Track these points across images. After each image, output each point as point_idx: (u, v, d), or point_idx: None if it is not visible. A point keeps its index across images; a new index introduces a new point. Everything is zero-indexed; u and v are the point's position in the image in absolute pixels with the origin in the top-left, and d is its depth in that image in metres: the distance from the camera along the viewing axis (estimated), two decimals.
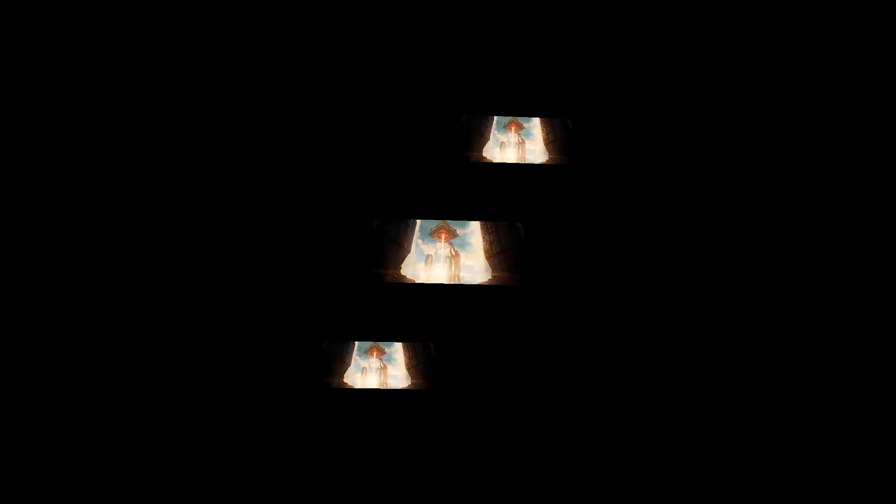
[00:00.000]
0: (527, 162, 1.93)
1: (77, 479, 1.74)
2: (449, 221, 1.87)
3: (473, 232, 1.89)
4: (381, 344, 1.88)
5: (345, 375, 1.87)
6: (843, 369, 1.96)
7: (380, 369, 1.87)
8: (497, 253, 1.89)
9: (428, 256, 1.86)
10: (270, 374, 1.83)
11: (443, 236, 1.87)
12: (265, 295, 1.84)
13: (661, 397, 1.94)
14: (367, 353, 1.86)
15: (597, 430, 1.92)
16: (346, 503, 1.83)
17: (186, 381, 1.80)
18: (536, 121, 1.93)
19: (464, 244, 1.88)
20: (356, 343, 1.86)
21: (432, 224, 1.86)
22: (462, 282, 1.89)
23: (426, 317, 1.90)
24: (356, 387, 1.86)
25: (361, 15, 1.88)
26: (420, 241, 1.87)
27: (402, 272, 1.87)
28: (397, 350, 1.88)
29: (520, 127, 1.93)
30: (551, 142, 1.93)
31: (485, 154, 1.93)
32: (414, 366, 1.89)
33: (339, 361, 1.86)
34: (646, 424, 1.93)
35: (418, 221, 1.86)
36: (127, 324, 1.78)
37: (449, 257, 1.87)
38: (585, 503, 1.89)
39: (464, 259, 1.88)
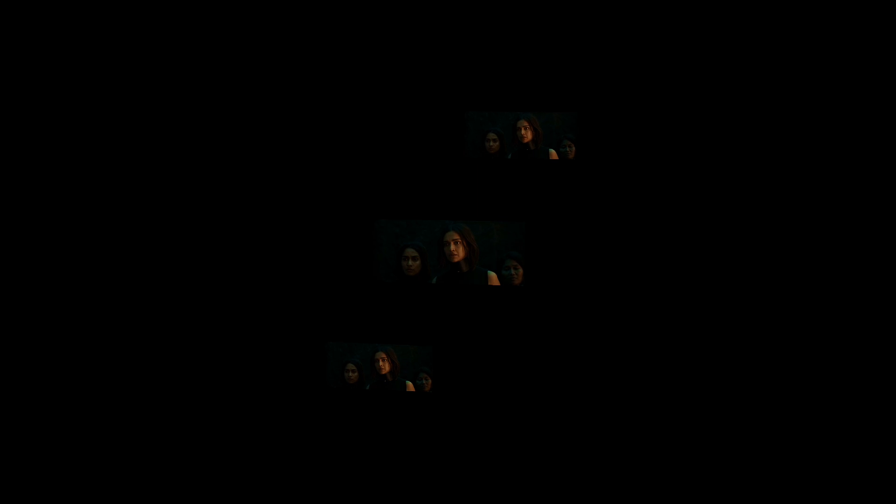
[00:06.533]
0: (529, 160, 1.91)
1: (76, 478, 1.76)
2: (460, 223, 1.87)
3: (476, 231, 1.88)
4: (383, 344, 1.88)
5: (345, 377, 1.87)
6: (844, 370, 1.95)
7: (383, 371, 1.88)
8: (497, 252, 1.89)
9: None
10: (271, 375, 1.84)
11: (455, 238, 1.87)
12: (265, 296, 1.84)
13: (662, 398, 1.94)
14: (375, 357, 1.87)
15: (596, 430, 1.93)
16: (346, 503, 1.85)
17: (186, 382, 1.81)
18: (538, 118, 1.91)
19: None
20: (359, 345, 1.87)
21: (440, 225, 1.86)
22: (463, 282, 1.88)
23: (427, 317, 1.90)
24: (356, 388, 1.87)
25: (360, 10, 1.85)
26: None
27: (403, 272, 1.87)
28: (398, 351, 1.89)
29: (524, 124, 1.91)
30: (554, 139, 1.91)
31: (486, 151, 1.91)
32: (415, 367, 1.90)
33: (341, 362, 1.86)
34: (646, 425, 1.94)
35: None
36: (127, 324, 1.79)
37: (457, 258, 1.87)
38: (584, 502, 1.91)
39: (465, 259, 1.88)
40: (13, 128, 1.75)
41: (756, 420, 1.94)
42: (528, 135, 1.87)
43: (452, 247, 1.84)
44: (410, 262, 1.83)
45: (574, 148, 1.88)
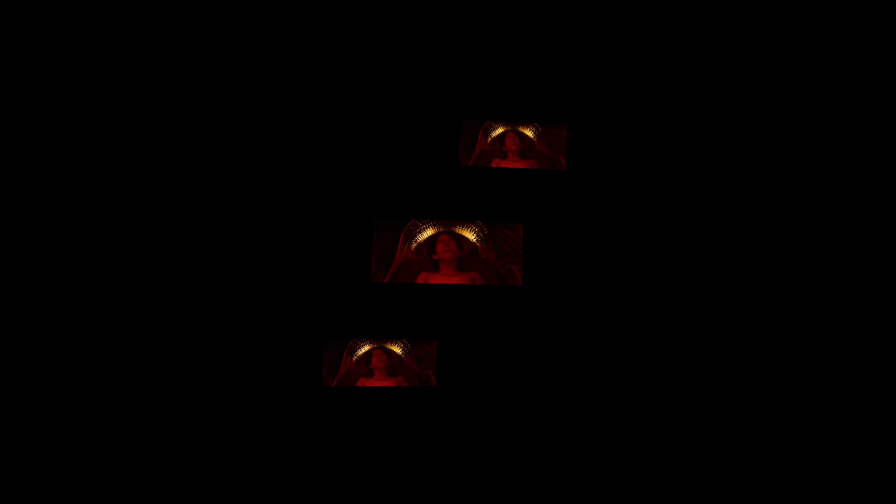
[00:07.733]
0: (526, 167, 1.94)
1: (74, 478, 1.75)
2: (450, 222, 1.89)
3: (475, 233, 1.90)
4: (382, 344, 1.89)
5: (344, 375, 1.87)
6: (844, 370, 1.96)
7: (381, 369, 1.88)
8: (497, 254, 1.90)
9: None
10: (270, 375, 1.84)
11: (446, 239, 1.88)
12: (265, 296, 1.84)
13: (660, 397, 1.95)
14: (372, 354, 1.88)
15: (596, 429, 1.93)
16: (345, 503, 1.84)
17: (184, 381, 1.80)
18: (535, 126, 1.94)
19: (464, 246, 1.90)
20: (357, 343, 1.87)
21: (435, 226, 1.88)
22: (463, 283, 1.90)
23: (426, 317, 1.91)
24: (356, 387, 1.88)
25: (361, 16, 1.87)
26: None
27: (403, 273, 1.88)
28: (398, 350, 1.89)
29: (519, 132, 1.94)
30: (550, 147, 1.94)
31: (483, 158, 1.94)
32: (415, 365, 1.90)
33: (339, 361, 1.87)
34: (644, 424, 1.94)
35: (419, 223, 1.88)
36: (125, 324, 1.79)
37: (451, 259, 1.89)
38: (583, 501, 1.90)
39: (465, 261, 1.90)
40: (13, 128, 1.76)
41: (751, 416, 1.95)
42: (513, 146, 1.93)
43: (443, 245, 1.88)
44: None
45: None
